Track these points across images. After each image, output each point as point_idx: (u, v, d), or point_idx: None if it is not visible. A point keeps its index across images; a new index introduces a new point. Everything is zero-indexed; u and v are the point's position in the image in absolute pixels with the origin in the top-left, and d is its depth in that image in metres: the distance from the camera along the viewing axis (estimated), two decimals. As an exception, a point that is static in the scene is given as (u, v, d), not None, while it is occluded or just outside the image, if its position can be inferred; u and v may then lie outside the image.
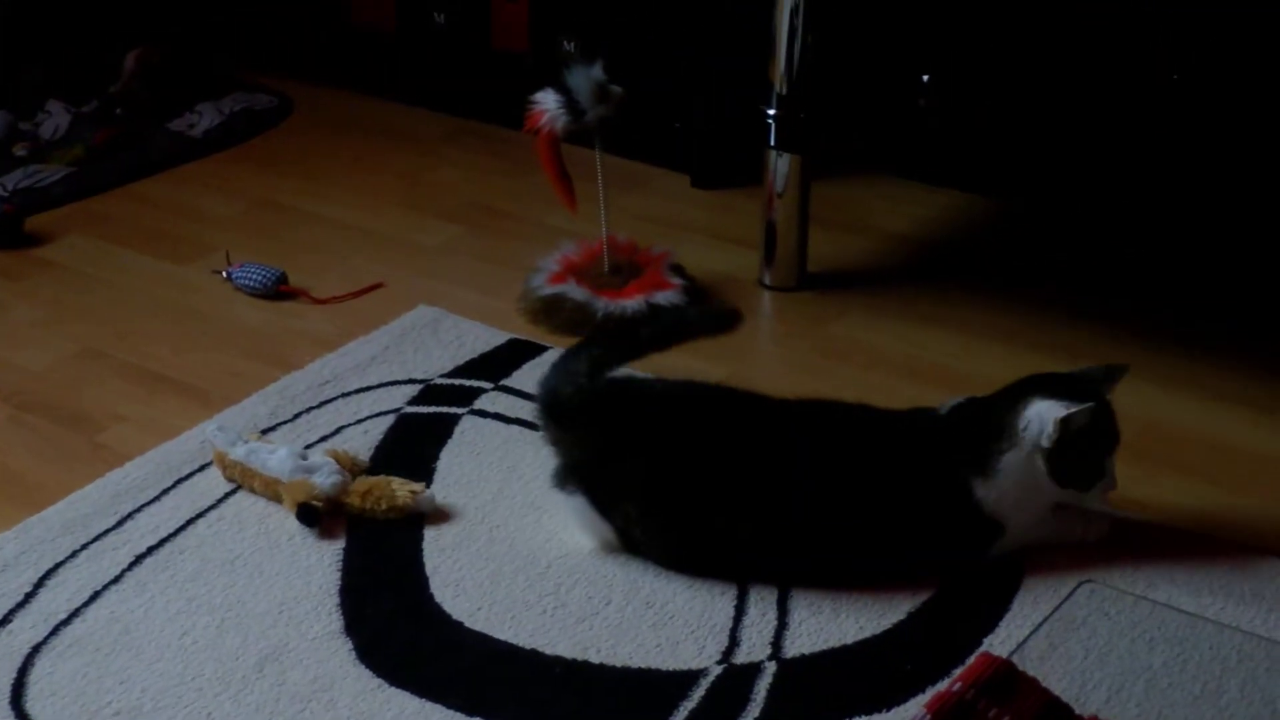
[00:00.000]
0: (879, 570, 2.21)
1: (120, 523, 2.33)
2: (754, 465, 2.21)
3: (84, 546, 2.28)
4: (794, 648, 2.10)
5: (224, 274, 2.97)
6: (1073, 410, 2.15)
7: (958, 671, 2.01)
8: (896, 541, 2.22)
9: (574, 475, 2.23)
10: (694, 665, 2.07)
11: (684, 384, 2.32)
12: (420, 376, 2.67)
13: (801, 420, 2.27)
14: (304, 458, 2.37)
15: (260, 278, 2.93)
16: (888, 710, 1.99)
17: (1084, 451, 2.19)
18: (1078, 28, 2.90)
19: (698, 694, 2.03)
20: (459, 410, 2.58)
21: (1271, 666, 2.07)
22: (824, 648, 2.10)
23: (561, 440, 2.25)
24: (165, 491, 2.39)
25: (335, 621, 2.14)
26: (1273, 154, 2.70)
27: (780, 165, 2.93)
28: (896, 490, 2.21)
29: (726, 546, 2.21)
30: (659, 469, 2.20)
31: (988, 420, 2.22)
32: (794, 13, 2.82)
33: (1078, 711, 1.96)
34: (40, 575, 2.23)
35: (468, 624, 2.14)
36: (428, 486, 2.38)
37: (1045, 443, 2.17)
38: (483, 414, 2.58)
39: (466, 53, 3.59)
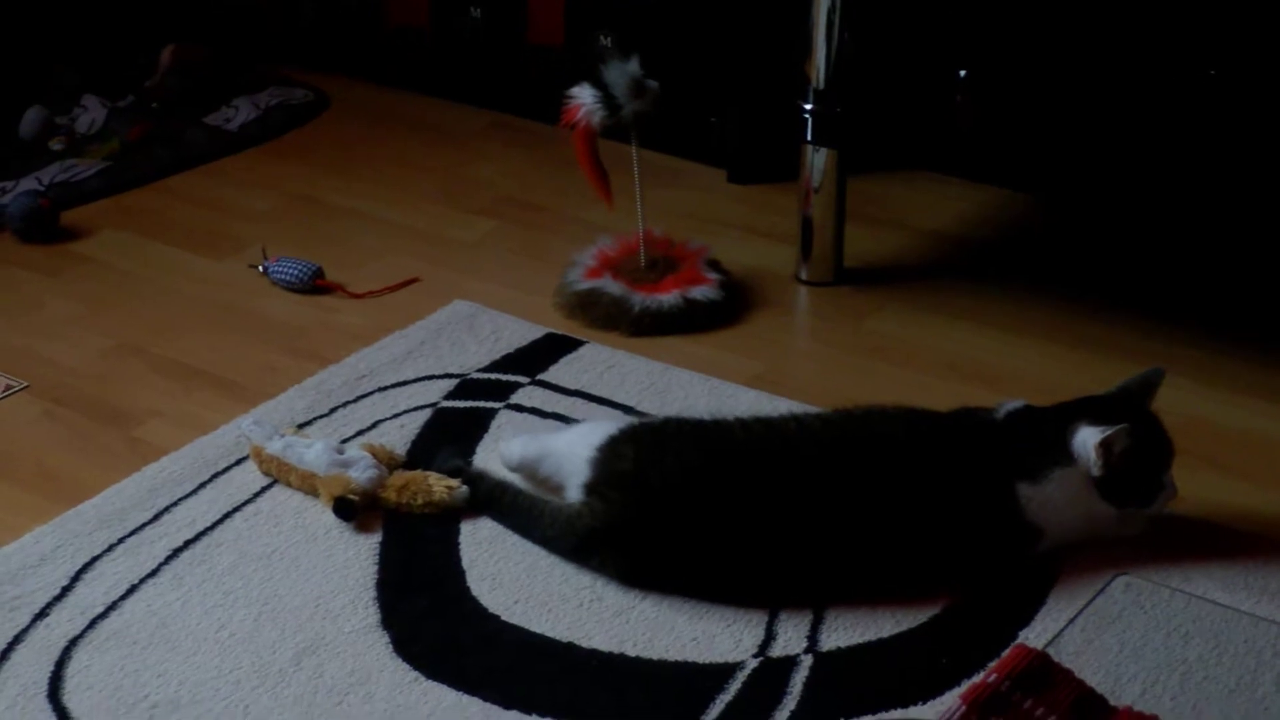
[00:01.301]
0: (917, 574, 2.22)
1: (157, 517, 2.34)
2: (810, 486, 2.20)
3: (121, 540, 2.30)
4: (830, 641, 2.11)
5: (260, 268, 2.99)
6: (1108, 433, 2.17)
7: (993, 664, 2.01)
8: (938, 542, 2.22)
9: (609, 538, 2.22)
10: (730, 659, 2.08)
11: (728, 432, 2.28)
12: (456, 371, 2.68)
13: (854, 428, 2.28)
14: (340, 452, 2.38)
15: (296, 272, 2.94)
16: (923, 703, 2.00)
17: (1135, 470, 2.21)
18: (1117, 22, 2.90)
19: (734, 687, 2.04)
20: (495, 405, 2.59)
21: (1307, 660, 2.08)
22: (860, 641, 2.11)
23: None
24: (202, 486, 2.41)
25: (372, 615, 2.16)
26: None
27: (817, 160, 2.94)
28: (946, 492, 2.22)
29: (786, 567, 2.20)
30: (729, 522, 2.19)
31: (1041, 434, 2.24)
32: (831, 9, 2.83)
33: (1112, 703, 1.97)
34: (77, 569, 2.24)
35: (504, 617, 2.16)
36: (462, 482, 2.39)
37: (1095, 471, 2.19)
38: (519, 408, 2.58)
39: (502, 47, 3.59)
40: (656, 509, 2.19)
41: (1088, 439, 2.19)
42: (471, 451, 2.47)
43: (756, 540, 2.18)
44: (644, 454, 2.23)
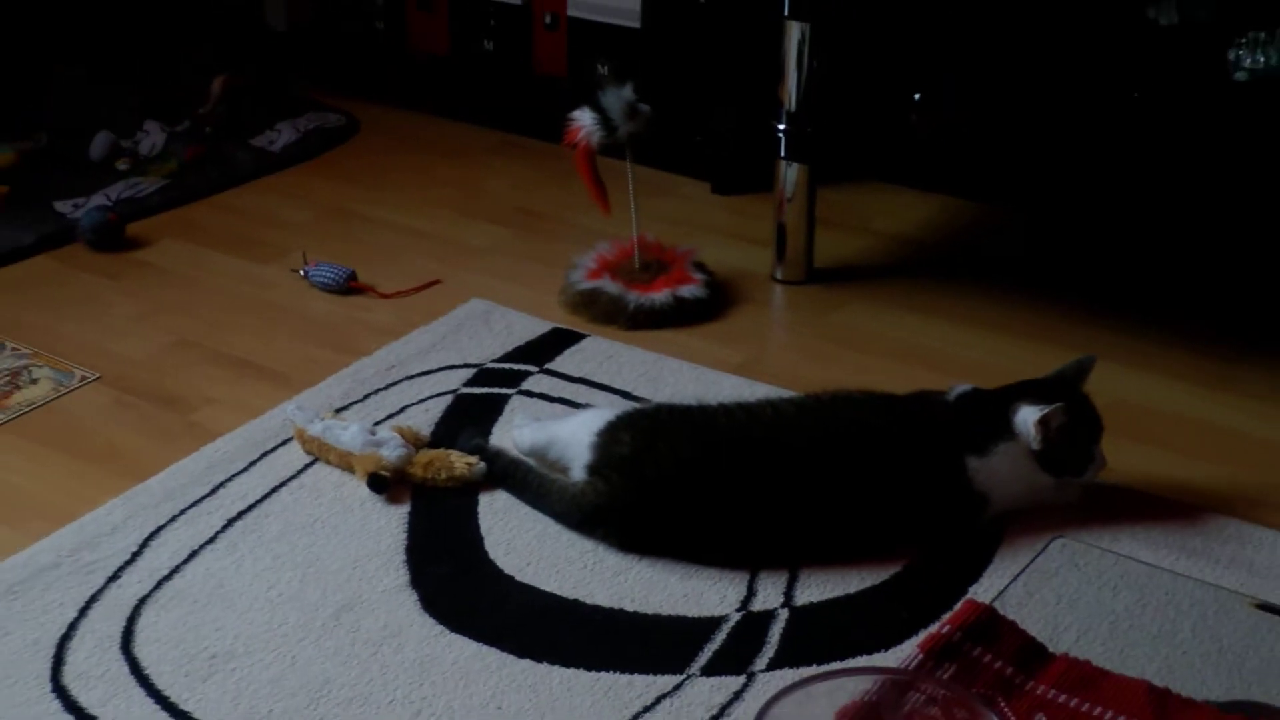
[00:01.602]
0: (880, 537, 2.23)
1: (213, 491, 2.35)
2: (785, 465, 2.21)
3: (182, 512, 2.30)
4: (804, 597, 2.12)
5: (301, 272, 2.99)
6: (1045, 411, 2.19)
7: (947, 616, 2.03)
8: (898, 510, 2.23)
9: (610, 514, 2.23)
10: (716, 612, 2.09)
11: (719, 413, 2.29)
12: (474, 361, 2.69)
13: (823, 411, 2.29)
14: (373, 433, 2.39)
15: (333, 275, 2.95)
16: (886, 650, 2.01)
17: (1069, 444, 2.22)
18: (1047, 53, 2.91)
19: (720, 637, 2.05)
20: (508, 391, 2.60)
21: (1219, 610, 2.08)
22: (830, 597, 2.12)
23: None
24: (252, 464, 2.41)
25: (402, 576, 2.17)
26: (1215, 169, 2.72)
27: (789, 174, 2.94)
28: (904, 466, 2.23)
29: (765, 535, 2.21)
30: (714, 489, 2.21)
31: (985, 412, 2.25)
32: (800, 41, 2.84)
33: (1050, 650, 1.98)
34: (145, 537, 2.25)
35: (518, 578, 2.17)
36: (480, 460, 2.39)
37: (1035, 445, 2.20)
38: (529, 394, 2.59)
39: (512, 76, 3.59)
40: (651, 488, 2.20)
41: (1028, 417, 2.21)
42: (489, 432, 2.48)
43: (739, 512, 2.19)
44: (639, 439, 2.23)
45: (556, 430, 2.33)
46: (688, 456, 2.21)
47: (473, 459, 2.36)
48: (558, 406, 2.54)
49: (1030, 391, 2.26)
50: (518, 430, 2.38)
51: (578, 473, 2.26)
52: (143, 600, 2.12)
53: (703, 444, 2.23)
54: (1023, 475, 2.23)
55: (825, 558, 2.18)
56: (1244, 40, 2.71)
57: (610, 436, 2.25)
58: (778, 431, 2.24)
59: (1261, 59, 2.70)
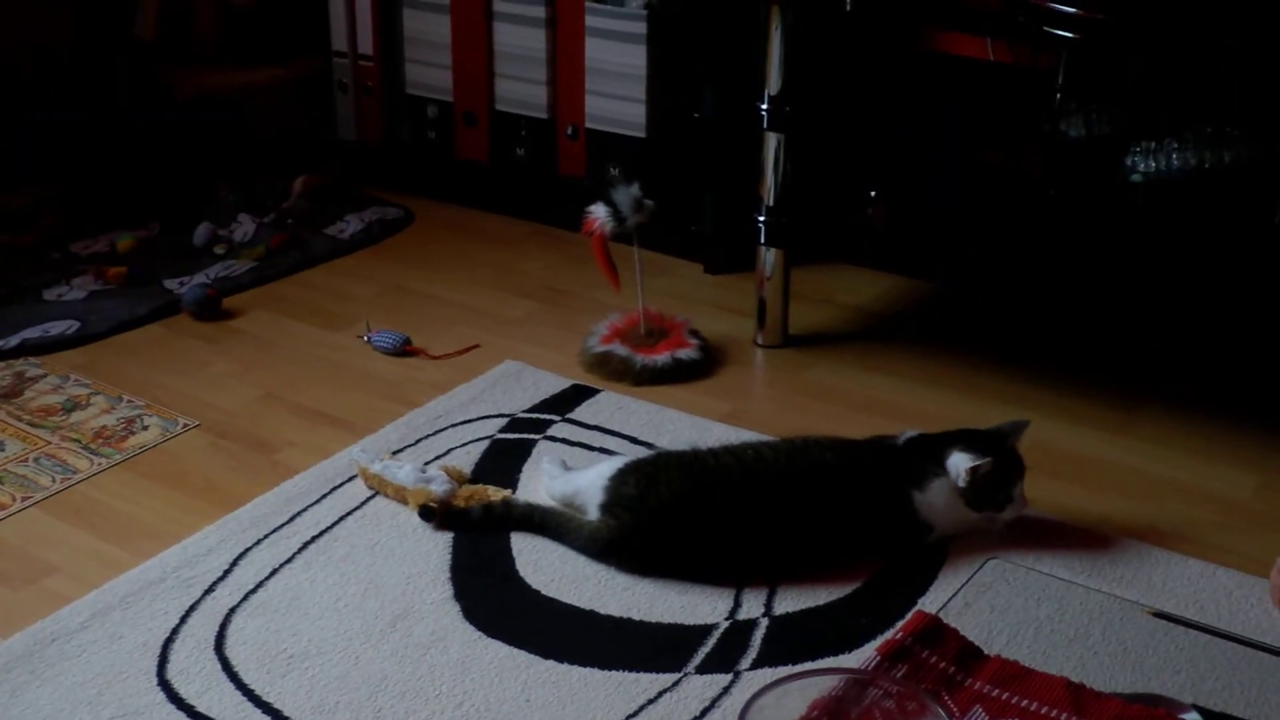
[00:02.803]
0: (842, 555, 2.21)
1: (291, 519, 2.34)
2: (762, 497, 2.20)
3: (265, 536, 2.29)
4: (781, 608, 2.11)
5: (365, 338, 2.98)
6: (978, 464, 2.18)
7: (900, 624, 2.02)
8: (856, 533, 2.22)
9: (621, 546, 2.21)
10: (708, 621, 2.08)
11: (703, 457, 2.28)
12: (507, 412, 2.67)
13: (795, 454, 2.27)
14: (424, 471, 2.38)
15: (391, 340, 2.94)
16: (850, 653, 2.00)
17: (992, 487, 2.21)
18: (977, 162, 2.92)
19: (711, 641, 2.04)
20: (536, 436, 2.58)
21: (1123, 617, 2.08)
22: (803, 608, 2.11)
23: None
24: (323, 496, 2.40)
25: (447, 590, 2.15)
26: (1116, 252, 2.72)
27: (769, 257, 2.93)
28: (861, 499, 2.22)
29: (746, 555, 2.20)
30: (703, 517, 2.20)
31: (927, 454, 2.24)
32: (777, 148, 2.84)
33: (986, 653, 1.97)
34: (234, 557, 2.24)
35: (544, 592, 2.15)
36: (513, 492, 2.38)
37: (961, 484, 2.19)
38: (553, 439, 2.58)
39: (540, 177, 3.60)
40: (653, 518, 2.19)
41: (959, 462, 2.20)
42: (518, 470, 2.47)
43: (725, 536, 2.18)
44: (642, 481, 2.22)
45: (578, 480, 2.32)
46: (682, 492, 2.20)
47: (505, 492, 2.36)
48: (576, 449, 2.53)
49: (965, 439, 2.24)
50: (549, 482, 2.37)
51: (593, 512, 2.25)
52: (233, 610, 2.12)
53: (694, 482, 2.22)
54: (954, 508, 2.22)
55: (798, 575, 2.17)
56: (1138, 149, 2.72)
57: (619, 480, 2.24)
58: (757, 470, 2.23)
59: (1153, 164, 2.71)
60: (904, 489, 2.21)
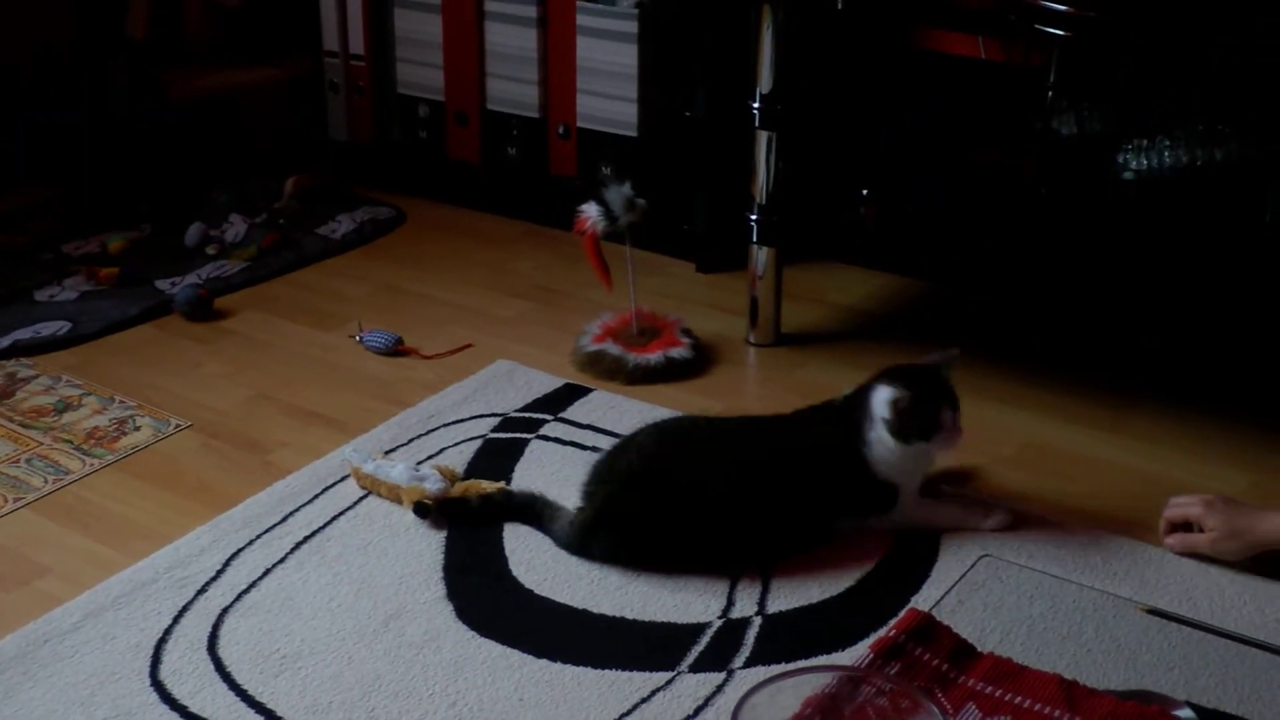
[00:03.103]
0: (824, 533, 2.23)
1: (284, 519, 2.34)
2: (726, 478, 2.21)
3: (258, 536, 2.29)
4: (774, 606, 2.11)
5: (357, 338, 2.98)
6: (897, 396, 2.17)
7: (893, 622, 2.02)
8: (830, 508, 2.23)
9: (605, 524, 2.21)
10: (702, 619, 2.08)
11: (668, 431, 2.31)
12: (500, 411, 2.67)
13: (741, 435, 2.29)
14: (417, 470, 2.37)
15: (383, 340, 2.94)
16: (843, 650, 2.00)
17: (917, 417, 2.18)
18: (971, 160, 2.91)
19: (705, 639, 2.04)
20: (528, 436, 2.58)
21: (1117, 614, 2.08)
22: (796, 606, 2.11)
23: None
24: (316, 496, 2.40)
25: (440, 590, 2.15)
26: (1108, 249, 2.72)
27: (760, 255, 2.93)
28: (823, 470, 2.23)
29: (728, 542, 2.20)
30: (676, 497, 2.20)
31: (862, 406, 2.23)
32: (769, 146, 2.84)
33: (979, 650, 1.97)
34: (227, 557, 2.24)
35: (537, 591, 2.15)
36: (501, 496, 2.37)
37: (884, 414, 2.18)
38: (545, 438, 2.57)
39: (532, 177, 3.59)
40: (625, 486, 2.20)
41: (880, 396, 2.19)
42: (511, 469, 2.47)
43: (696, 504, 2.18)
44: (614, 450, 2.27)
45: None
46: (653, 458, 2.22)
47: (500, 484, 2.37)
48: (569, 448, 2.53)
49: (886, 375, 2.23)
50: None
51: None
52: (225, 610, 2.11)
53: (665, 448, 2.25)
54: (895, 450, 2.20)
55: (785, 557, 2.19)
56: (1130, 146, 2.72)
57: (596, 462, 2.27)
58: (714, 443, 2.26)
59: (1145, 162, 2.71)
60: (858, 450, 2.21)
